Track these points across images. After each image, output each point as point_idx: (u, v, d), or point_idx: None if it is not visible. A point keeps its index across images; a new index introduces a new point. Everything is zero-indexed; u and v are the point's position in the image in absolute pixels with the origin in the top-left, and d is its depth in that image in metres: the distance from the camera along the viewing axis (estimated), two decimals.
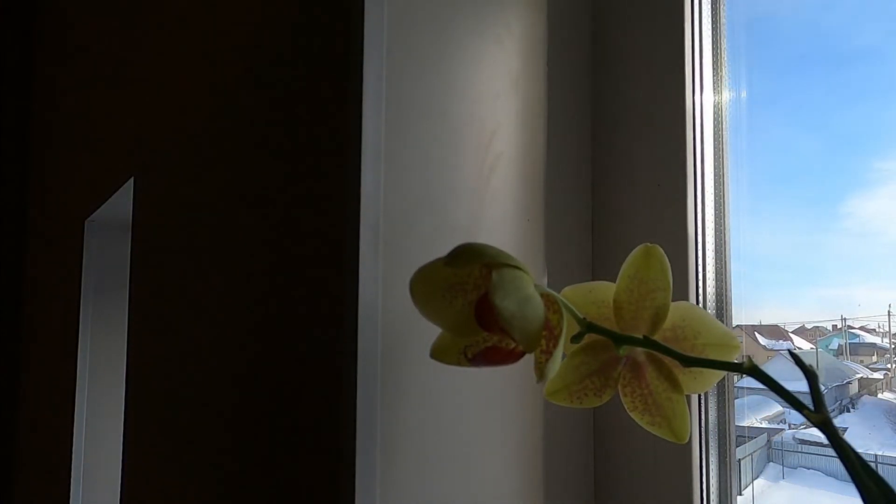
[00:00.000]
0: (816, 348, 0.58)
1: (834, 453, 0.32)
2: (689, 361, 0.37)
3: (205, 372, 0.75)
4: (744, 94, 0.58)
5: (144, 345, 0.95)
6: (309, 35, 0.59)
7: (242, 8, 0.73)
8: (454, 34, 0.54)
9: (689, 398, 0.40)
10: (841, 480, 0.52)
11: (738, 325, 0.57)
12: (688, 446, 0.52)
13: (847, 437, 0.33)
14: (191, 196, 0.83)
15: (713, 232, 0.56)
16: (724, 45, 0.57)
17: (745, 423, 0.58)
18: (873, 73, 0.51)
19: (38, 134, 1.88)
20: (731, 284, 0.56)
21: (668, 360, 0.38)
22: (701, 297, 0.55)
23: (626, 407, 0.40)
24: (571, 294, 0.40)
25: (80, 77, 1.48)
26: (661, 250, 0.38)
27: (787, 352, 0.53)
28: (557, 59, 0.60)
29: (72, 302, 1.36)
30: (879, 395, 0.59)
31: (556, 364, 0.35)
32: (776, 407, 0.61)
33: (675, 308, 0.39)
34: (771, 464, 0.60)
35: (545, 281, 0.57)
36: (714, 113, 0.57)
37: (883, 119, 0.51)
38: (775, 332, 0.60)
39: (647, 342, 0.38)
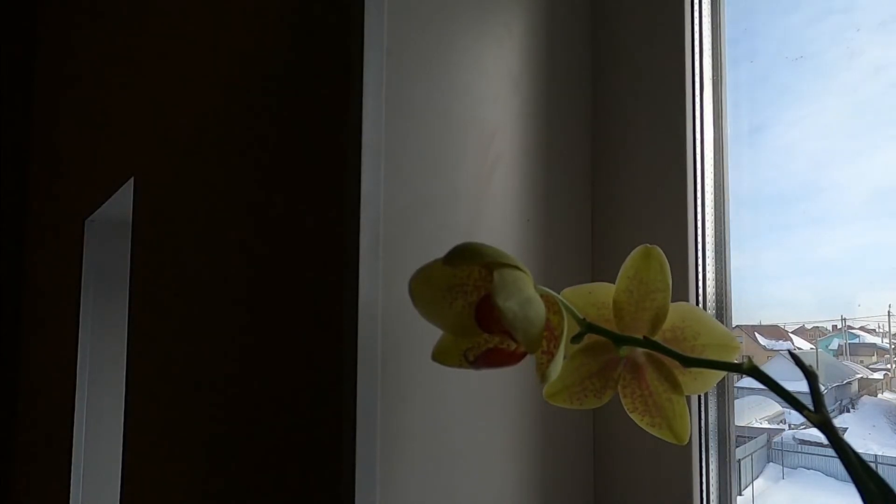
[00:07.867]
0: (816, 348, 0.58)
1: (834, 453, 0.32)
2: (690, 362, 0.37)
3: (204, 372, 0.75)
4: (744, 92, 0.58)
5: (144, 344, 0.95)
6: (309, 35, 0.59)
7: (243, 8, 0.73)
8: (454, 35, 0.54)
9: (688, 399, 0.40)
10: (841, 480, 0.52)
11: (738, 326, 0.57)
12: (688, 446, 0.52)
13: (847, 437, 0.33)
14: (191, 196, 0.83)
15: (713, 232, 0.56)
16: (725, 44, 0.57)
17: (745, 423, 0.58)
18: (874, 72, 0.51)
19: (39, 134, 1.88)
20: (731, 284, 0.56)
21: (668, 360, 0.38)
22: (701, 298, 0.55)
23: (626, 408, 0.40)
24: (571, 295, 0.40)
25: (80, 77, 1.48)
26: (660, 251, 0.38)
27: (787, 352, 0.53)
28: (557, 60, 0.60)
29: (72, 302, 1.36)
30: (879, 395, 0.59)
31: (559, 365, 0.35)
32: (776, 407, 0.61)
33: (675, 309, 0.39)
34: (771, 464, 0.60)
35: (545, 282, 0.57)
36: (714, 112, 0.57)
37: (883, 117, 0.51)
38: (775, 332, 0.60)
39: (647, 343, 0.38)
